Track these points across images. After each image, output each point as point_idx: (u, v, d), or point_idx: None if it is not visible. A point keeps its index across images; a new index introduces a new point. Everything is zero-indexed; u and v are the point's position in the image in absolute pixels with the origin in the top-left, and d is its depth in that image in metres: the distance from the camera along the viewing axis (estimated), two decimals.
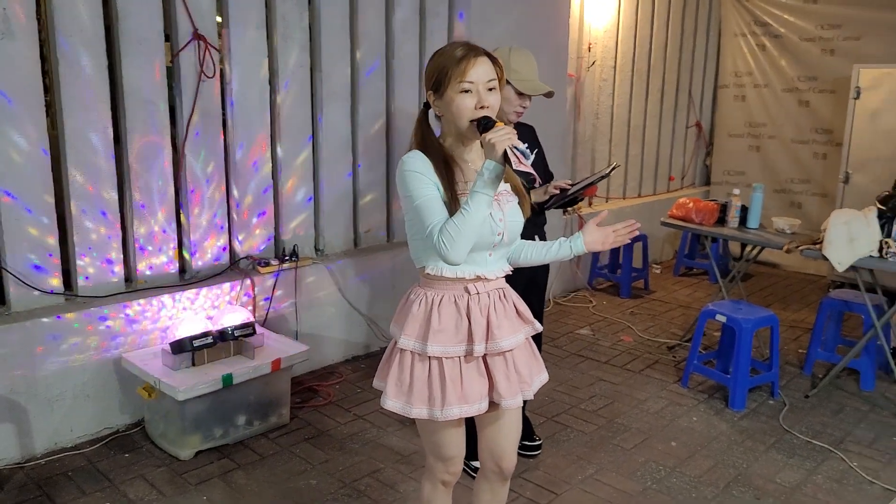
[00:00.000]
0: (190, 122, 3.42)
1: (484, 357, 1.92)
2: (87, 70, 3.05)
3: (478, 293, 1.91)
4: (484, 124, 1.79)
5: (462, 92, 1.81)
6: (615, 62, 6.08)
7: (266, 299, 3.75)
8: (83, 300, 3.20)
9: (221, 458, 3.13)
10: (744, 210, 4.28)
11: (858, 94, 5.44)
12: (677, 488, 2.97)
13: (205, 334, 3.21)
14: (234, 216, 3.72)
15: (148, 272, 3.43)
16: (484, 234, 1.84)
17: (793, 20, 6.38)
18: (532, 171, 1.71)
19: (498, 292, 1.96)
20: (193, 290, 3.48)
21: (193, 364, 3.16)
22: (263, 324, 3.70)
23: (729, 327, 3.84)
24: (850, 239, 3.53)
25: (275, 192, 3.88)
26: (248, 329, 3.33)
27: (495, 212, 1.87)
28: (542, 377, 2.07)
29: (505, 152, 1.71)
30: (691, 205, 4.39)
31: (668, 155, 6.93)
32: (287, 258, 3.85)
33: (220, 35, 3.51)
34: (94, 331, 3.16)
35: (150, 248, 3.42)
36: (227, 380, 3.08)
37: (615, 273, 5.86)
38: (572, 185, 2.82)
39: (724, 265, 5.76)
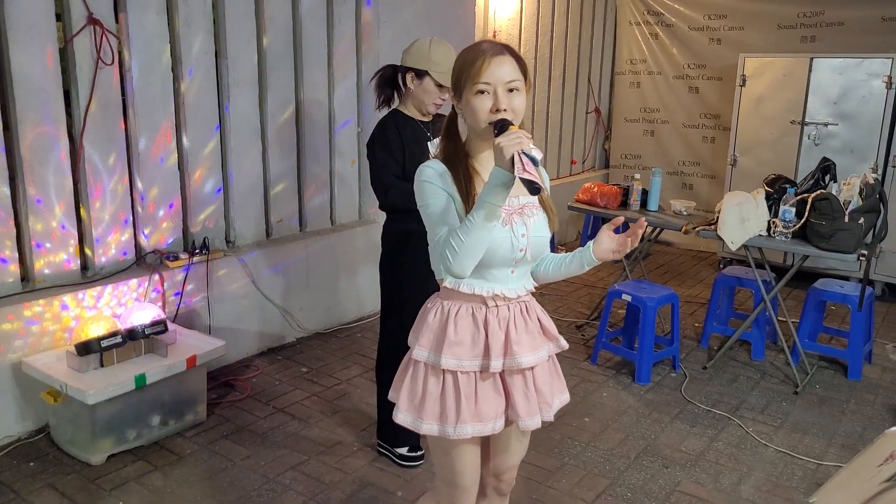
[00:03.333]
0: (87, 112, 3.24)
1: (502, 374, 1.82)
2: None
3: (496, 306, 1.80)
4: (499, 127, 1.66)
5: (477, 93, 1.70)
6: (519, 50, 6.19)
7: (176, 294, 3.63)
8: None
9: (136, 460, 3.03)
10: (644, 193, 4.50)
11: (744, 81, 5.80)
12: (592, 461, 3.13)
13: (113, 334, 3.08)
14: (140, 209, 3.57)
15: (46, 271, 3.24)
16: (503, 249, 1.73)
17: (682, 10, 6.71)
18: (538, 179, 1.55)
19: (520, 305, 1.84)
20: (98, 288, 3.32)
21: (102, 365, 3.03)
22: (174, 320, 3.58)
23: (634, 306, 4.04)
24: (741, 220, 3.78)
25: (182, 184, 3.74)
26: (159, 326, 3.21)
27: (517, 226, 1.76)
28: (563, 397, 1.96)
29: (513, 158, 1.57)
30: (596, 189, 4.57)
31: (569, 139, 7.16)
32: (197, 251, 3.73)
33: (117, 20, 3.34)
34: None
35: (48, 245, 3.23)
36: (140, 380, 2.97)
37: None
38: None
39: None
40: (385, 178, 2.75)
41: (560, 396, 1.95)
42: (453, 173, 1.74)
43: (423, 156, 2.80)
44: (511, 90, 1.71)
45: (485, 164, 1.80)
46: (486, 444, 1.97)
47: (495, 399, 1.81)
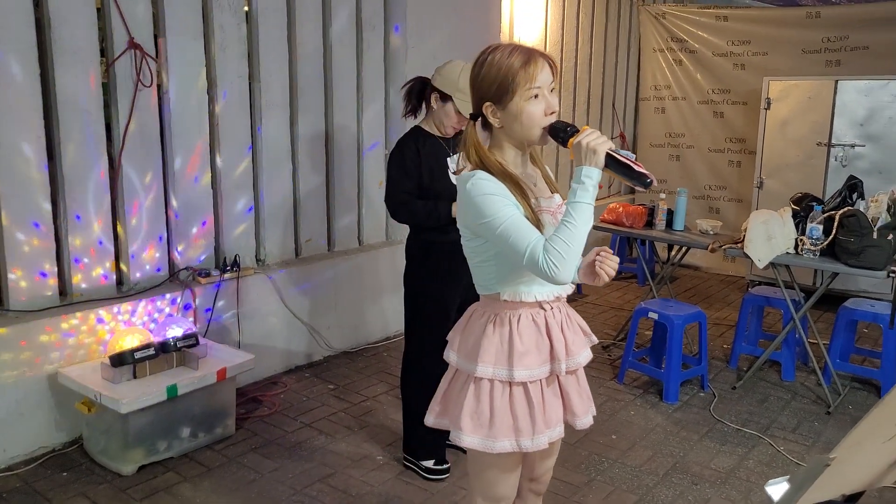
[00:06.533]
0: (126, 132, 3.36)
1: (558, 376, 1.83)
2: (17, 78, 2.96)
3: (552, 308, 1.80)
4: (562, 128, 1.67)
5: (532, 98, 1.67)
6: None
7: (207, 310, 3.70)
8: (15, 314, 3.08)
9: (166, 471, 3.07)
10: (670, 213, 4.50)
11: (769, 104, 5.81)
12: (620, 478, 3.10)
13: (146, 346, 3.14)
14: (174, 227, 3.67)
15: (84, 285, 3.33)
16: None
17: (706, 36, 6.76)
18: (648, 172, 1.58)
19: (563, 306, 1.86)
20: (132, 303, 3.40)
21: (135, 377, 3.09)
22: (205, 334, 3.64)
23: (660, 324, 4.02)
24: (768, 237, 3.76)
25: (214, 202, 3.84)
26: (190, 340, 3.28)
27: None
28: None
29: (609, 155, 1.59)
30: (621, 209, 4.58)
31: None
32: (228, 268, 3.81)
33: (156, 45, 3.47)
34: (27, 346, 3.05)
35: (85, 260, 3.33)
36: (172, 391, 3.03)
37: None
38: None
39: (651, 267, 6.02)
40: (394, 195, 2.88)
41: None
42: (506, 184, 1.69)
43: (443, 171, 2.87)
44: (551, 91, 1.71)
45: (522, 172, 1.78)
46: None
47: (556, 403, 1.81)
